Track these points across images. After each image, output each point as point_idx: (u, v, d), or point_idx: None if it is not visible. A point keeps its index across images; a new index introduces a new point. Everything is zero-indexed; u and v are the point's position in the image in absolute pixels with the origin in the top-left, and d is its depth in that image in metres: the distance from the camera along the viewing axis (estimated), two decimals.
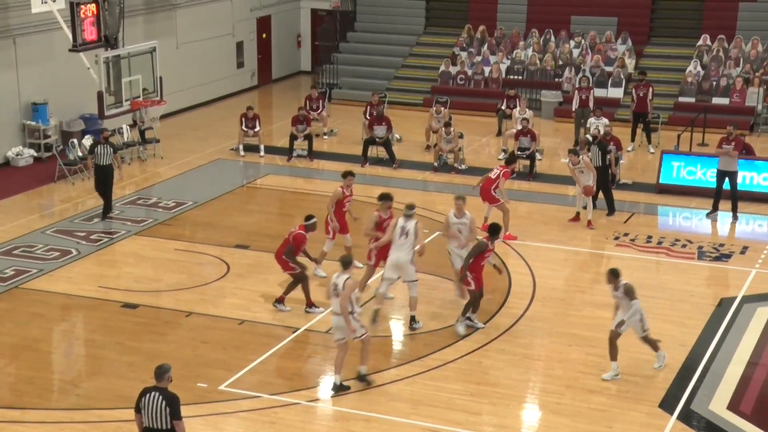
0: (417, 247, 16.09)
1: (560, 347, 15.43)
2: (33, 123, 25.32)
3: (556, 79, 30.87)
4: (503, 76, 31.30)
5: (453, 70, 31.62)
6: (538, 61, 31.35)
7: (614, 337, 14.31)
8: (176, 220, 21.31)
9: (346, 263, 13.80)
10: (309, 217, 16.56)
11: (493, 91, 30.84)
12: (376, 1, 34.96)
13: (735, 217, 21.36)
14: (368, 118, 26.29)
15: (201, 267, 18.68)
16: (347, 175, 17.82)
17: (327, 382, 14.19)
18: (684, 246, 19.86)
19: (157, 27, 29.33)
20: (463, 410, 13.54)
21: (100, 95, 23.44)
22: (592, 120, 24.89)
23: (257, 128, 26.14)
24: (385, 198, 16.89)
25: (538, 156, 24.87)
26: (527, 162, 24.30)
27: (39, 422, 13.23)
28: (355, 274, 14.17)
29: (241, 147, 26.23)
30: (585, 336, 15.65)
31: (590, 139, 22.05)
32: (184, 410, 10.90)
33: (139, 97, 24.47)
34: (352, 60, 33.62)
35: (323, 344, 15.19)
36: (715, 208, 21.56)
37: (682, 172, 23.37)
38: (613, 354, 14.34)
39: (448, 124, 25.03)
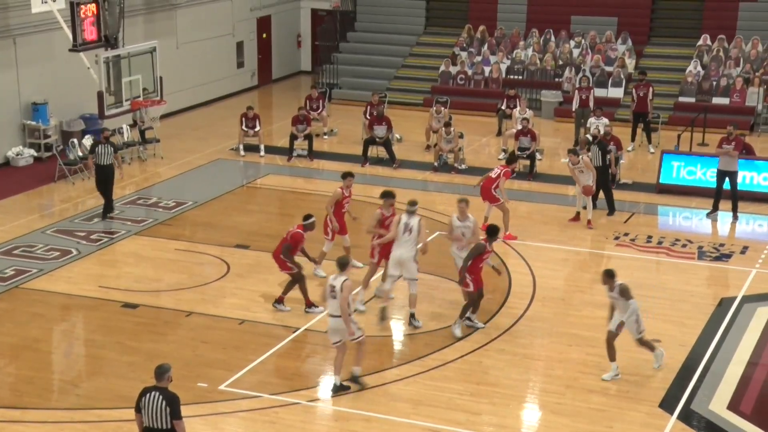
0: (420, 245, 16.12)
1: (560, 347, 15.43)
2: (33, 123, 25.33)
3: (556, 79, 30.87)
4: (503, 76, 31.30)
5: (453, 70, 31.63)
6: (538, 61, 31.35)
7: (611, 338, 14.31)
8: (176, 220, 21.31)
9: (343, 265, 13.79)
10: (307, 217, 16.57)
11: (493, 91, 30.84)
12: (377, 1, 34.96)
13: (735, 217, 21.36)
14: (368, 118, 26.30)
15: (201, 267, 18.69)
16: (347, 176, 17.81)
17: (327, 382, 14.19)
18: (684, 246, 19.86)
19: (157, 27, 29.33)
20: (464, 410, 13.54)
21: (100, 95, 23.43)
22: (592, 120, 24.89)
23: (257, 128, 26.14)
24: (388, 195, 16.90)
25: (538, 156, 24.87)
26: (527, 162, 24.30)
27: (39, 422, 13.23)
28: (353, 275, 14.15)
29: (241, 147, 26.23)
30: (585, 336, 15.65)
31: (590, 138, 22.05)
32: (184, 410, 10.90)
33: (139, 97, 24.46)
34: (352, 60, 33.62)
35: (323, 344, 15.18)
36: (715, 208, 21.56)
37: (682, 172, 23.38)
38: (612, 355, 14.33)
39: (448, 124, 25.03)
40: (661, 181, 23.41)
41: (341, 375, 13.99)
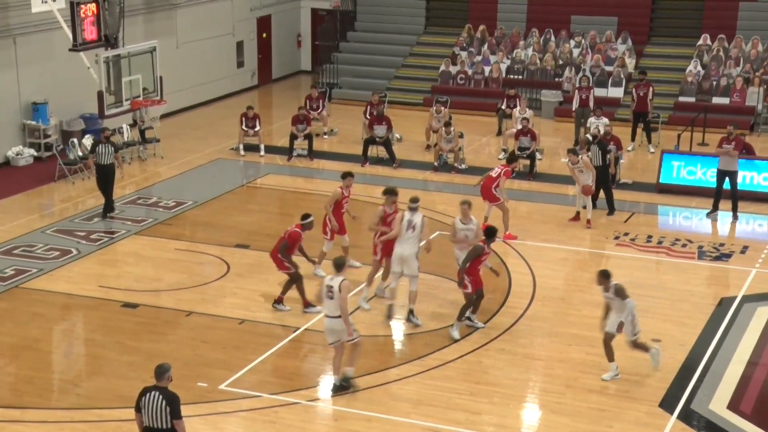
0: (423, 243, 16.13)
1: (560, 347, 15.43)
2: (33, 122, 25.33)
3: (557, 79, 30.87)
4: (503, 75, 31.30)
5: (453, 69, 31.63)
6: (538, 61, 31.35)
7: (608, 339, 14.30)
8: (176, 219, 21.31)
9: (339, 265, 13.80)
10: (306, 216, 16.59)
11: (494, 90, 30.84)
12: (377, 0, 34.95)
13: (735, 217, 21.36)
14: (368, 117, 26.30)
15: (201, 266, 18.69)
16: (347, 176, 17.81)
17: (327, 381, 14.19)
18: (684, 246, 19.86)
19: (157, 26, 29.33)
20: (463, 410, 13.54)
21: (100, 95, 23.43)
22: (592, 119, 24.89)
23: (257, 128, 26.14)
24: (390, 193, 16.93)
25: (538, 156, 24.87)
26: (527, 161, 24.30)
27: (39, 422, 13.23)
28: (351, 275, 14.16)
29: (241, 146, 26.23)
30: (585, 335, 15.65)
31: (590, 138, 22.05)
32: (184, 410, 10.90)
33: (139, 96, 24.46)
34: (353, 60, 33.62)
35: (323, 344, 15.14)
36: (715, 208, 21.56)
37: (682, 171, 23.37)
38: (610, 356, 14.33)
39: (448, 124, 25.03)
40: (661, 180, 23.41)
41: (341, 375, 13.99)
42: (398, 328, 16.20)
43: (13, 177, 24.12)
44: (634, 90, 27.01)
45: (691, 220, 21.89)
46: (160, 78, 25.03)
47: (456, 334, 15.52)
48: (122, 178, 22.11)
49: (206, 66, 31.77)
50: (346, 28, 35.40)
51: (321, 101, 28.17)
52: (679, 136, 26.03)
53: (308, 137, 25.80)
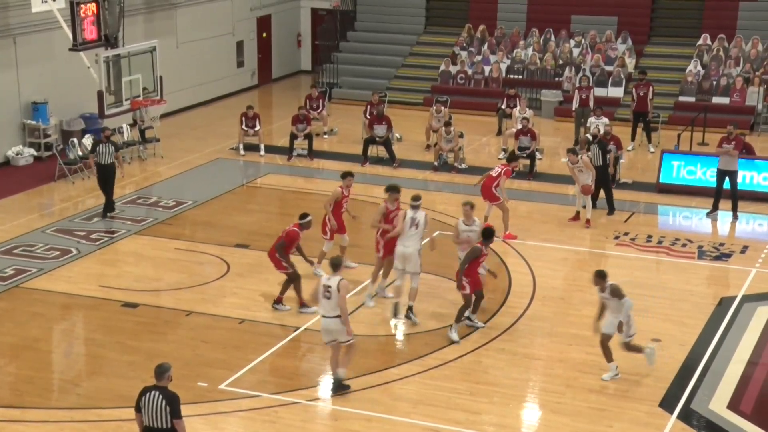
0: (426, 240, 16.13)
1: (560, 346, 15.43)
2: (33, 122, 25.33)
3: (557, 79, 30.87)
4: (503, 75, 31.30)
5: (453, 69, 31.62)
6: (538, 61, 31.35)
7: (605, 340, 14.29)
8: (176, 219, 21.31)
9: (336, 265, 13.81)
10: (304, 216, 16.59)
11: (494, 90, 30.84)
12: (377, 0, 34.95)
13: (735, 217, 21.36)
14: (368, 117, 26.30)
15: (201, 266, 18.69)
16: (347, 175, 17.81)
17: (327, 381, 14.19)
18: (684, 245, 19.86)
19: (157, 26, 29.33)
20: (463, 409, 13.54)
21: (100, 94, 23.43)
22: (592, 119, 24.90)
23: (257, 127, 26.14)
24: (393, 189, 16.94)
25: (538, 155, 24.87)
26: (527, 161, 24.30)
27: (39, 421, 13.23)
28: (347, 275, 14.16)
29: (241, 146, 26.23)
30: (585, 335, 15.64)
31: (590, 138, 22.05)
32: (184, 409, 10.90)
33: (139, 96, 24.45)
34: (353, 59, 33.62)
35: (322, 343, 15.13)
36: (715, 208, 21.56)
37: (682, 171, 23.37)
38: (608, 356, 14.33)
39: (448, 124, 25.03)
40: (661, 180, 23.41)
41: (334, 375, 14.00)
42: (398, 328, 16.20)
43: (13, 177, 24.12)
44: (634, 90, 27.01)
45: (691, 219, 21.90)
46: (160, 78, 25.02)
47: (455, 337, 15.46)
48: (122, 177, 22.10)
49: (206, 66, 31.77)
50: (346, 27, 35.39)
51: (321, 101, 28.17)
52: (679, 135, 26.03)
53: (308, 137, 25.80)
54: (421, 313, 16.25)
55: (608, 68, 30.51)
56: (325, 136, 27.85)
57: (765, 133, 28.32)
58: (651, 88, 26.61)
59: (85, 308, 16.90)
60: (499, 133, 27.89)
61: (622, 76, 30.15)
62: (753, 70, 29.68)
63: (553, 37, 32.34)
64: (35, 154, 25.29)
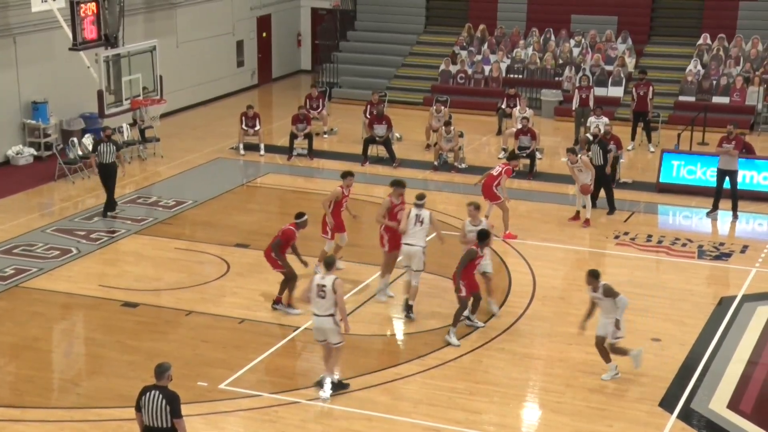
0: (430, 237, 16.28)
1: (560, 346, 15.43)
2: (33, 122, 25.33)
3: (557, 78, 30.87)
4: (503, 75, 31.30)
5: (453, 69, 31.63)
6: (538, 60, 31.35)
7: (600, 342, 14.28)
8: (176, 219, 21.31)
9: (330, 264, 13.81)
10: (300, 215, 16.58)
11: (494, 90, 30.84)
12: (377, 0, 34.94)
13: (735, 216, 21.36)
14: (368, 117, 26.30)
15: (201, 266, 18.69)
16: (347, 175, 17.80)
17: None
18: (684, 245, 19.86)
19: (157, 26, 29.32)
20: (463, 409, 13.54)
21: (100, 94, 23.42)
22: (592, 119, 24.89)
23: (257, 127, 26.14)
24: (398, 184, 16.97)
25: (538, 155, 24.87)
26: (527, 161, 24.30)
27: (39, 421, 13.23)
28: (342, 274, 14.16)
29: (241, 146, 26.23)
30: (585, 335, 15.56)
31: (591, 137, 22.05)
32: (185, 409, 10.90)
33: (139, 95, 24.44)
34: (353, 59, 33.62)
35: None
36: (715, 207, 21.56)
37: (682, 171, 23.37)
38: (606, 357, 14.31)
39: (448, 123, 25.03)
40: (661, 180, 23.41)
41: (338, 373, 13.99)
42: (398, 328, 16.21)
43: (13, 176, 24.12)
44: (634, 89, 27.00)
45: (691, 219, 21.90)
46: (160, 77, 25.02)
47: (453, 341, 15.37)
48: (123, 176, 22.10)
49: (206, 65, 31.77)
50: (346, 27, 35.39)
51: (321, 100, 28.17)
52: (679, 135, 26.02)
53: (308, 136, 25.80)
54: (421, 312, 16.26)
55: (608, 68, 30.52)
56: (325, 136, 27.85)
57: (765, 132, 28.32)
58: (651, 88, 26.61)
59: (85, 308, 16.90)
60: (499, 132, 27.90)
61: (622, 75, 30.15)
62: (753, 69, 29.68)
63: (553, 37, 32.34)
64: (35, 153, 25.28)
